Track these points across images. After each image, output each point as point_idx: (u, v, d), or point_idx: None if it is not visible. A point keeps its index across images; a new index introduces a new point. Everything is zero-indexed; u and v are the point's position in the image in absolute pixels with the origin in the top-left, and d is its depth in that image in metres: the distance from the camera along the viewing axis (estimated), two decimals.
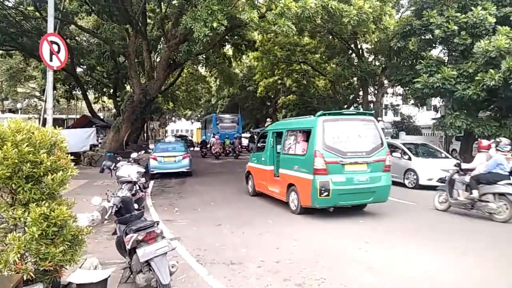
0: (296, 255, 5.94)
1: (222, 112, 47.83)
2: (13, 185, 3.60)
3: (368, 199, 8.57)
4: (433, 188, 10.49)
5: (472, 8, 14.77)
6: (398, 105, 38.09)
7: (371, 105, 29.22)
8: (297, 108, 37.68)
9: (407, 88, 19.88)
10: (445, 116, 16.60)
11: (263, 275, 5.14)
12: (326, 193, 7.97)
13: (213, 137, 28.27)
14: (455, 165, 9.17)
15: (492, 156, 8.41)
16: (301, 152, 8.92)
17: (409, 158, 13.25)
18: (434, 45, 17.94)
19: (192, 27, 12.16)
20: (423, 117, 34.54)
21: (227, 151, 27.17)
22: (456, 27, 14.71)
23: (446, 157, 13.85)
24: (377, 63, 27.94)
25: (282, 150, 9.90)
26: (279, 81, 34.77)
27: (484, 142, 9.00)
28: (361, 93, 30.37)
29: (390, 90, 33.51)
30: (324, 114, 8.73)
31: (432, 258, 5.76)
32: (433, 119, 22.56)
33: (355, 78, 29.65)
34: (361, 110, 9.34)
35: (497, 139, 8.95)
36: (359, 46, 26.82)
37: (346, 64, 25.62)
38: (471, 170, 8.72)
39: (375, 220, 8.34)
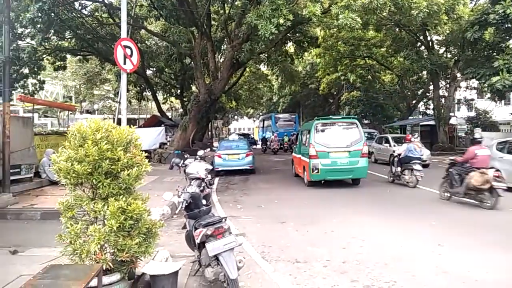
0: (364, 256, 5.75)
1: (283, 110, 49.90)
2: (94, 181, 3.85)
3: (349, 175, 12.40)
4: None
5: None
6: (472, 99, 35.52)
7: (442, 100, 27.48)
8: (361, 105, 36.53)
9: (483, 82, 18.42)
10: None
11: (329, 275, 5.04)
12: (316, 171, 11.94)
13: (273, 135, 30.77)
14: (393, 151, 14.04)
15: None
16: (307, 144, 12.53)
17: None
18: None
19: (258, 25, 12.17)
20: (501, 112, 31.88)
21: (285, 147, 29.70)
22: None
23: None
24: (449, 55, 26.22)
25: (302, 143, 13.64)
26: (342, 77, 33.93)
27: (408, 136, 13.20)
28: (431, 87, 28.72)
29: (463, 84, 31.28)
30: (318, 119, 12.89)
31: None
32: None
33: (424, 72, 28.10)
34: (346, 115, 15.02)
35: (412, 133, 14.64)
36: (428, 38, 25.32)
37: (414, 57, 24.25)
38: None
39: (450, 222, 7.82)
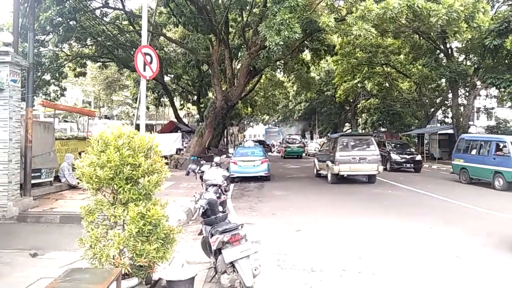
0: (380, 266, 5.69)
1: (299, 117, 57.48)
2: (115, 186, 3.94)
3: (296, 155, 33.75)
4: None
5: None
6: (492, 108, 34.87)
7: (461, 108, 27.03)
8: (378, 112, 36.22)
9: (504, 90, 18.07)
10: None
11: (345, 285, 5.01)
12: (284, 152, 34.57)
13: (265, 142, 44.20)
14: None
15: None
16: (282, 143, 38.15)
17: None
18: None
19: (266, 35, 12.36)
20: None
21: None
22: None
23: None
24: (468, 63, 25.81)
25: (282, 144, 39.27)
26: (359, 85, 33.75)
27: None
28: (450, 95, 28.29)
29: (483, 92, 30.74)
30: (287, 135, 41.10)
31: None
32: None
33: (443, 80, 27.70)
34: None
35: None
36: (448, 45, 24.97)
37: (433, 65, 23.86)
38: None
39: (471, 235, 7.68)
